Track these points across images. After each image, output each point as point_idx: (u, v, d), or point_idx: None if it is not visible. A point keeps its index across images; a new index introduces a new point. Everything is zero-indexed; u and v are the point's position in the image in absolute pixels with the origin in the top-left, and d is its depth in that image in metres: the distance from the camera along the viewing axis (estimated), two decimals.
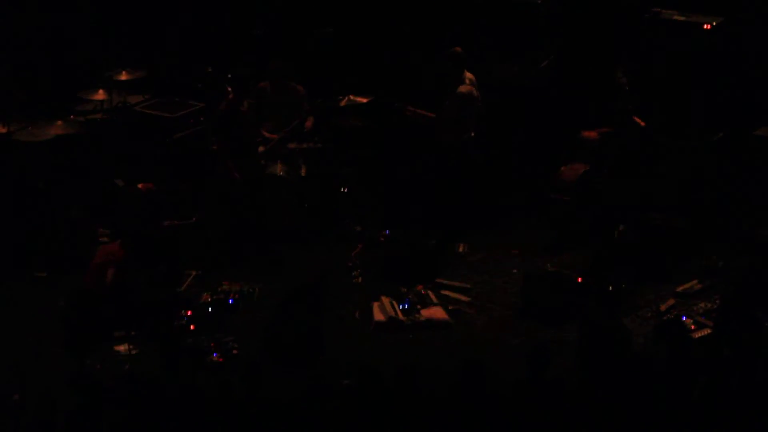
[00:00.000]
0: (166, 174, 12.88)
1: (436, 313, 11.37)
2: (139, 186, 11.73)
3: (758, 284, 10.36)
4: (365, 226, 12.90)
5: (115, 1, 14.64)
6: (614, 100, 12.29)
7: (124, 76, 13.41)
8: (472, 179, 12.78)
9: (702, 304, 11.18)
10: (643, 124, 12.34)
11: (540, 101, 13.71)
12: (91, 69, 13.92)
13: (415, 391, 8.52)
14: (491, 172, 13.38)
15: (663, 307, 11.29)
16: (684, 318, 10.91)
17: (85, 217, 12.51)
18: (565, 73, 13.78)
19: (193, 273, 11.85)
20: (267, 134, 12.83)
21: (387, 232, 12.68)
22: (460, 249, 12.61)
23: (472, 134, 12.66)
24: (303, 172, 12.82)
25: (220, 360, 10.44)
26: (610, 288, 11.39)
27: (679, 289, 11.60)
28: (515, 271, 12.15)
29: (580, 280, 11.39)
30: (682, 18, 13.25)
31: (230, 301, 11.41)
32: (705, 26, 13.14)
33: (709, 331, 10.56)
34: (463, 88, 12.47)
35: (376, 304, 11.44)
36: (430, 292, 11.68)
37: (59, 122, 12.69)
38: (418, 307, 11.41)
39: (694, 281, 11.69)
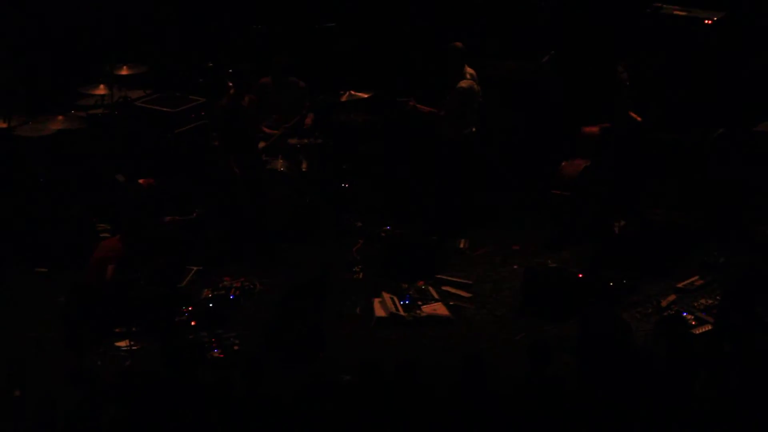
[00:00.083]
0: (167, 169, 12.88)
1: (437, 308, 11.37)
2: (140, 181, 11.73)
3: (759, 280, 10.35)
4: (366, 221, 12.90)
5: None
6: (615, 96, 12.28)
7: (125, 71, 13.41)
8: (473, 174, 12.78)
9: (703, 300, 11.18)
10: (639, 119, 12.33)
11: (541, 96, 13.70)
12: (92, 64, 13.90)
13: (415, 387, 8.52)
14: (492, 167, 13.38)
15: (664, 303, 11.29)
16: (685, 314, 10.91)
17: (85, 212, 12.51)
18: (566, 68, 13.77)
19: (194, 269, 11.84)
20: (268, 130, 12.83)
21: (388, 227, 12.68)
22: (461, 245, 12.61)
23: (473, 129, 12.66)
24: (304, 168, 12.82)
25: (221, 356, 10.45)
26: (611, 284, 11.40)
27: (680, 284, 11.60)
28: (516, 266, 12.16)
29: (580, 275, 11.40)
30: (683, 13, 13.24)
31: (231, 297, 11.41)
32: (706, 21, 13.13)
33: (709, 326, 10.56)
34: (463, 83, 12.46)
35: (377, 300, 11.45)
36: (431, 288, 11.69)
37: (60, 117, 12.70)
38: (419, 302, 11.41)
39: (695, 277, 11.69)
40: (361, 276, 12.01)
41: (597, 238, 12.31)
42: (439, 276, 11.95)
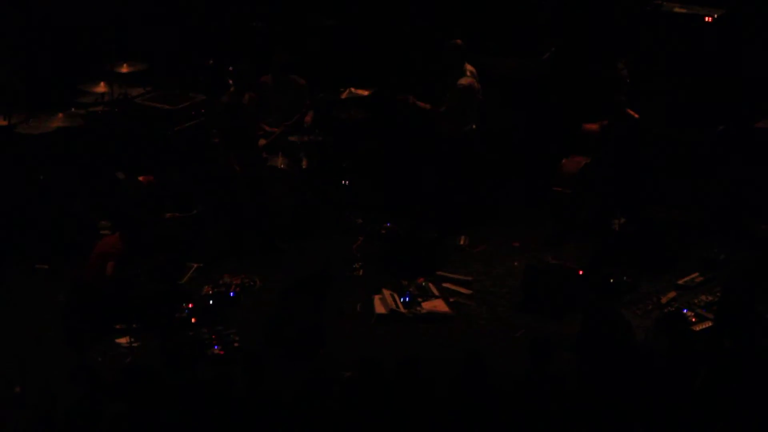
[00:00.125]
0: (167, 166, 12.88)
1: (437, 305, 11.37)
2: (140, 178, 11.74)
3: (759, 277, 10.36)
4: (366, 218, 12.90)
5: None
6: (615, 93, 12.28)
7: (125, 69, 13.40)
8: (473, 171, 12.78)
9: (703, 297, 11.18)
10: (636, 116, 12.33)
11: (541, 94, 13.70)
12: (92, 61, 13.90)
13: (416, 384, 8.52)
14: (492, 164, 13.38)
15: (664, 300, 11.30)
16: (685, 310, 10.92)
17: (86, 209, 12.51)
18: (566, 65, 13.77)
19: (195, 265, 11.85)
20: (268, 128, 12.83)
21: (388, 224, 12.68)
22: (462, 241, 12.61)
23: (474, 126, 12.66)
24: (304, 165, 12.82)
25: (221, 353, 10.45)
26: (611, 280, 11.40)
27: (680, 281, 11.60)
28: (516, 263, 12.15)
29: (581, 272, 11.40)
30: (683, 10, 13.23)
31: (231, 294, 11.42)
32: (706, 18, 13.12)
33: (709, 323, 10.56)
34: (464, 80, 12.46)
35: (377, 297, 11.45)
36: (431, 285, 11.69)
37: (60, 115, 12.68)
38: (419, 299, 11.41)
39: (695, 274, 11.69)
40: (361, 273, 12.01)
41: (597, 235, 12.31)
42: (439, 273, 11.95)
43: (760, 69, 13.02)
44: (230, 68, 13.10)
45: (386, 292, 11.48)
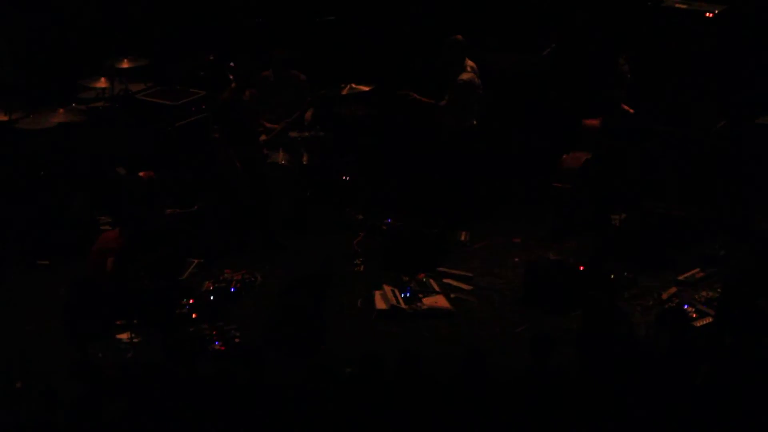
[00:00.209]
0: (167, 162, 12.87)
1: (438, 301, 11.37)
2: (141, 174, 11.71)
3: (759, 273, 10.35)
4: (367, 214, 12.90)
5: None
6: (615, 88, 12.27)
7: (125, 64, 13.40)
8: (474, 167, 12.77)
9: (704, 293, 11.17)
10: (631, 111, 12.33)
11: (542, 89, 13.69)
12: (93, 57, 13.89)
13: (416, 380, 8.52)
14: (493, 160, 13.37)
15: (665, 296, 11.29)
16: (686, 306, 10.91)
17: (86, 205, 12.51)
18: (567, 61, 13.76)
19: (195, 261, 11.84)
20: (268, 124, 12.83)
21: (389, 220, 12.69)
22: (462, 237, 12.61)
23: (474, 122, 12.66)
24: (305, 161, 12.82)
25: (222, 348, 10.44)
26: (612, 276, 11.40)
27: (681, 277, 11.60)
28: (517, 259, 12.15)
29: (582, 268, 11.40)
30: (685, 6, 13.23)
31: (232, 290, 11.41)
32: (707, 14, 13.12)
33: (710, 319, 10.56)
34: (464, 76, 12.47)
35: (377, 293, 11.44)
36: (431, 281, 11.69)
37: (61, 110, 12.67)
38: (420, 295, 11.41)
39: (696, 269, 11.69)
40: (362, 268, 12.01)
41: (598, 230, 12.30)
42: (440, 269, 11.95)
43: (760, 64, 13.02)
44: (231, 64, 13.10)
45: (387, 288, 11.48)
